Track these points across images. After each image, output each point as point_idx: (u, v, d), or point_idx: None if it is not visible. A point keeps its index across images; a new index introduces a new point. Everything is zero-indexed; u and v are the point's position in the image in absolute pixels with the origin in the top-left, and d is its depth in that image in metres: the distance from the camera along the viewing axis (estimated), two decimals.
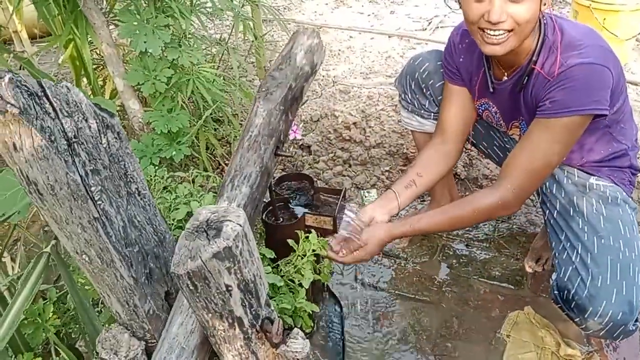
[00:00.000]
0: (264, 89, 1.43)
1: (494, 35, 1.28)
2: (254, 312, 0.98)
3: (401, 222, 1.56)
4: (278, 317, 1.07)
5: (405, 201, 1.62)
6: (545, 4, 1.26)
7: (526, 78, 1.39)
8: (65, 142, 0.83)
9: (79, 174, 0.85)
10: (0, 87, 0.76)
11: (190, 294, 0.90)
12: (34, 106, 0.79)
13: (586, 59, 1.26)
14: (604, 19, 2.62)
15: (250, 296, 0.94)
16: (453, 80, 1.60)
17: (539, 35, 1.34)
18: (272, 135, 1.42)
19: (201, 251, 0.84)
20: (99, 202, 0.90)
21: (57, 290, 1.47)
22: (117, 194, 0.94)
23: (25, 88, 0.79)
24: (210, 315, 0.94)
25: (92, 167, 0.88)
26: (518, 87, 1.42)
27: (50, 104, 0.81)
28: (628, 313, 1.29)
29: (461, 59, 1.55)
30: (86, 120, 0.86)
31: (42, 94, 0.81)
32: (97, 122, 0.88)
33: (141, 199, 1.01)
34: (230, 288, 0.89)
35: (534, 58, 1.35)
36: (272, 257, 1.45)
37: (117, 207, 0.95)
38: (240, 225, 0.87)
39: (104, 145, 0.90)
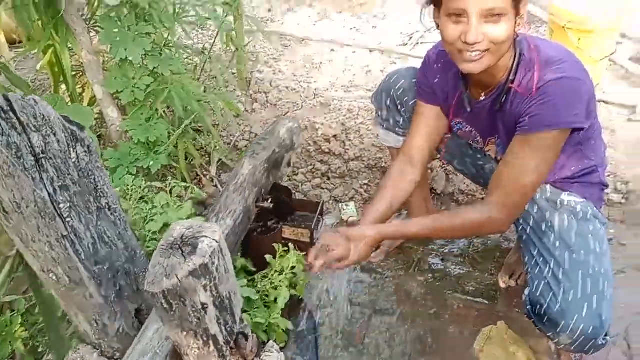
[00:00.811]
0: (250, 151, 1.63)
1: (470, 54, 1.31)
2: (228, 329, 0.97)
3: (389, 224, 1.52)
4: (252, 332, 1.06)
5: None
6: (519, 25, 1.29)
7: (504, 97, 1.41)
8: (33, 157, 0.81)
9: (47, 190, 0.83)
10: None
11: (165, 312, 0.88)
12: None
13: (563, 74, 1.29)
14: (579, 39, 2.68)
15: (225, 313, 0.93)
16: (426, 100, 1.61)
17: (515, 54, 1.37)
18: (255, 185, 1.55)
19: (177, 269, 0.82)
20: (68, 219, 0.88)
21: (26, 302, 1.45)
22: (87, 209, 0.93)
23: None
24: (184, 333, 0.92)
25: (60, 183, 0.85)
26: (496, 105, 1.44)
27: (17, 118, 0.79)
28: (599, 327, 1.32)
29: (437, 79, 1.57)
30: (55, 135, 0.84)
31: (9, 108, 0.79)
32: (66, 136, 0.86)
33: (112, 213, 0.99)
34: (205, 306, 0.88)
35: (511, 77, 1.38)
36: (251, 270, 1.45)
37: (86, 223, 0.92)
38: (217, 241, 0.85)
39: (73, 160, 0.88)
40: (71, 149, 0.87)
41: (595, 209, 1.53)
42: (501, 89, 1.41)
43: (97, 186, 0.95)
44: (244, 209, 1.47)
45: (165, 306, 0.86)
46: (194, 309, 0.87)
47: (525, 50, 1.36)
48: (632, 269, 2.00)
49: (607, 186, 1.60)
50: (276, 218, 1.75)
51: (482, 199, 1.55)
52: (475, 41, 1.27)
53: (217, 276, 0.86)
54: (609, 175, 2.22)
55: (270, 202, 1.62)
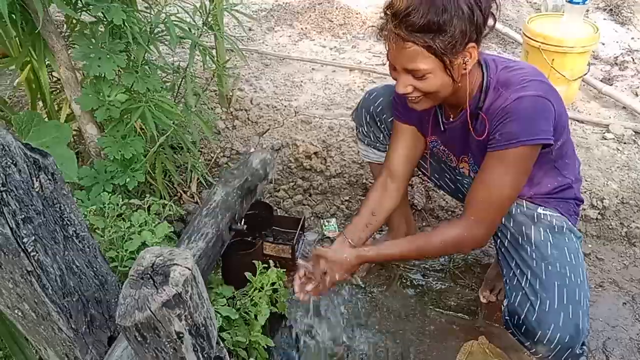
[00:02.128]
0: (222, 179, 1.63)
1: (409, 97, 1.38)
2: (205, 356, 0.93)
3: (368, 247, 1.53)
4: (232, 351, 1.04)
5: (361, 243, 1.59)
6: (465, 64, 1.30)
7: (474, 120, 1.45)
8: None
9: (9, 225, 0.79)
10: None
11: (139, 345, 0.84)
12: None
13: (529, 92, 1.32)
14: (553, 59, 2.76)
15: (201, 340, 0.90)
16: (402, 120, 1.63)
17: (482, 78, 1.40)
18: (228, 209, 1.53)
19: (149, 300, 0.78)
20: (32, 254, 0.83)
21: None
22: (53, 240, 0.88)
23: None
24: None
25: (23, 216, 0.81)
26: (467, 126, 1.48)
27: None
28: (575, 336, 1.34)
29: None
30: (15, 165, 0.79)
31: None
32: (27, 165, 0.81)
33: (79, 241, 0.95)
34: (181, 335, 0.85)
35: (479, 104, 1.41)
36: (230, 295, 1.42)
37: (53, 254, 0.88)
38: (189, 269, 0.82)
39: (37, 189, 0.83)
40: (34, 178, 0.83)
41: (570, 223, 1.56)
42: (470, 112, 1.44)
43: (64, 214, 0.90)
44: (216, 232, 1.45)
45: (139, 339, 0.82)
46: (169, 340, 0.84)
47: (492, 73, 1.39)
48: (609, 283, 2.03)
49: (582, 201, 1.64)
50: (257, 234, 1.74)
51: (459, 215, 1.56)
52: (404, 92, 1.35)
53: (191, 304, 0.84)
54: (584, 192, 2.26)
55: (244, 225, 1.60)
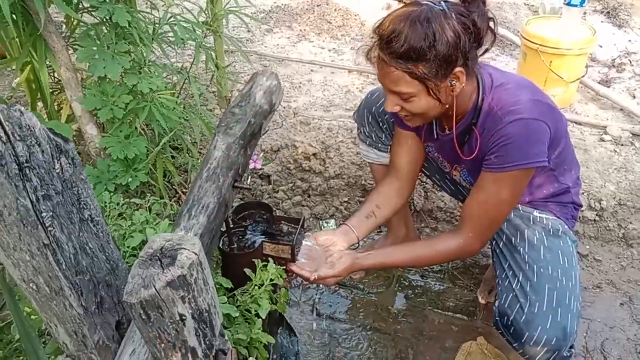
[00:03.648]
0: (223, 124, 1.47)
1: (399, 115, 1.41)
2: (207, 342, 0.96)
3: (367, 254, 1.55)
4: (233, 347, 1.05)
5: (364, 233, 1.64)
6: (454, 87, 1.32)
7: (467, 136, 1.47)
8: (17, 166, 0.81)
9: (30, 199, 0.83)
10: None
11: (143, 323, 0.87)
12: None
13: (524, 115, 1.33)
14: (551, 61, 2.77)
15: (204, 326, 0.93)
16: (401, 126, 1.65)
17: (477, 95, 1.41)
18: (230, 167, 1.44)
19: (155, 279, 0.81)
20: (49, 229, 0.87)
21: (0, 321, 1.41)
22: (69, 220, 0.92)
23: None
24: (163, 345, 0.91)
25: (43, 193, 0.85)
26: (459, 140, 1.50)
27: (2, 127, 0.79)
28: (562, 339, 1.35)
29: None
30: (39, 145, 0.84)
31: None
32: (50, 147, 0.86)
33: (94, 225, 0.98)
34: (184, 317, 0.87)
35: (473, 119, 1.42)
36: (229, 287, 1.43)
37: (68, 233, 0.91)
38: (196, 254, 0.85)
39: (57, 171, 0.87)
40: (55, 160, 0.87)
41: (566, 226, 1.57)
42: (464, 127, 1.46)
43: (80, 198, 0.94)
44: (218, 200, 1.37)
45: (144, 317, 0.85)
46: (172, 321, 0.86)
47: (487, 90, 1.40)
48: (607, 284, 2.04)
49: (580, 205, 1.65)
50: (257, 235, 1.74)
51: (457, 225, 1.59)
52: (391, 111, 1.39)
53: (196, 288, 0.86)
54: (582, 193, 2.28)
55: (250, 183, 1.54)
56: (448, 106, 1.38)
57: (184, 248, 0.85)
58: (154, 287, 0.81)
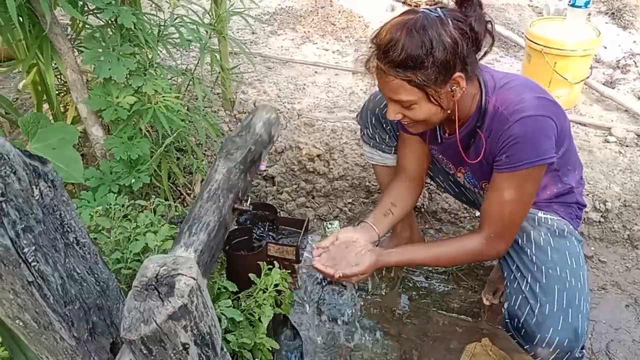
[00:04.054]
0: (224, 150, 1.52)
1: (401, 122, 1.42)
2: None
3: (390, 251, 1.53)
4: (236, 352, 1.04)
5: (383, 230, 1.62)
6: (455, 93, 1.32)
7: (472, 139, 1.47)
8: None
9: (9, 236, 0.77)
10: None
11: (144, 358, 0.83)
12: None
13: (530, 112, 1.33)
14: (555, 63, 2.77)
15: (207, 349, 0.90)
16: (406, 131, 1.65)
17: (480, 99, 1.41)
18: (231, 190, 1.46)
19: (155, 313, 0.77)
20: (33, 264, 0.82)
21: None
22: (54, 248, 0.86)
23: None
24: None
25: (23, 225, 0.79)
26: (464, 144, 1.50)
27: None
28: (574, 340, 1.35)
29: None
30: (15, 173, 0.77)
31: None
32: (27, 173, 0.79)
33: (80, 248, 0.94)
34: (187, 346, 0.84)
35: (477, 123, 1.42)
36: (234, 290, 1.43)
37: (53, 263, 0.86)
38: (194, 279, 0.81)
39: (36, 197, 0.81)
40: (34, 187, 0.80)
41: (571, 226, 1.57)
42: (468, 130, 1.46)
43: (64, 221, 0.89)
44: (218, 219, 1.39)
45: (145, 352, 0.81)
46: (175, 351, 0.83)
47: (490, 92, 1.40)
48: (612, 285, 2.04)
49: (584, 205, 1.64)
50: (261, 236, 1.75)
51: (477, 227, 1.58)
52: (393, 119, 1.39)
53: (197, 314, 0.83)
54: (587, 195, 2.27)
55: (250, 205, 1.56)
56: (450, 111, 1.38)
57: (181, 274, 0.81)
58: (155, 321, 0.77)
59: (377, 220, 1.62)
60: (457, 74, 1.29)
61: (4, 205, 0.75)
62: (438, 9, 1.28)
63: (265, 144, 1.63)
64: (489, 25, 1.31)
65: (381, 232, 1.61)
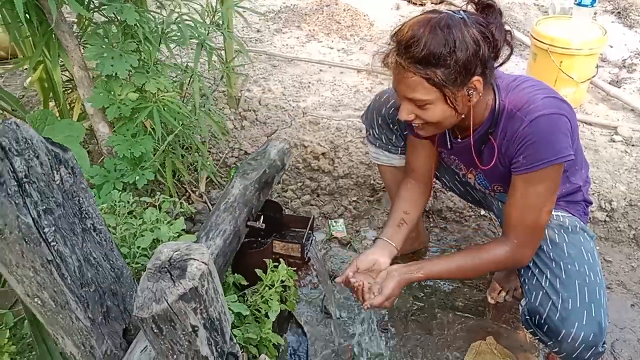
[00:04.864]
0: (241, 171, 1.63)
1: (413, 124, 1.39)
2: (219, 349, 0.95)
3: (413, 267, 1.50)
4: (242, 347, 1.05)
5: (400, 242, 1.61)
6: (471, 96, 1.30)
7: (483, 144, 1.46)
8: (16, 182, 0.78)
9: (31, 215, 0.81)
10: None
11: (155, 337, 0.86)
12: None
13: (544, 111, 1.32)
14: (561, 62, 2.76)
15: (215, 334, 0.92)
16: (417, 136, 1.63)
17: (494, 103, 1.40)
18: (246, 204, 1.55)
19: (166, 293, 0.80)
20: (52, 244, 0.85)
21: (14, 316, 1.42)
22: (72, 231, 0.90)
23: None
24: (175, 357, 0.90)
25: (44, 207, 0.83)
26: (477, 148, 1.49)
27: None
28: (598, 334, 1.34)
29: None
30: (37, 157, 0.81)
31: None
32: (49, 159, 0.83)
33: (97, 234, 0.97)
34: (196, 328, 0.86)
35: (490, 129, 1.41)
36: (243, 284, 1.44)
37: (71, 246, 0.90)
38: (205, 263, 0.84)
39: (57, 182, 0.85)
40: (55, 171, 0.85)
41: (581, 222, 1.56)
42: (480, 136, 1.45)
43: (82, 207, 0.92)
44: (234, 229, 1.46)
45: (156, 331, 0.84)
46: (184, 332, 0.85)
47: (503, 95, 1.39)
48: (617, 285, 2.03)
49: (590, 203, 1.64)
50: (267, 233, 1.75)
51: (500, 235, 1.56)
52: (406, 120, 1.36)
53: (207, 298, 0.85)
54: (592, 194, 2.27)
55: (262, 223, 1.61)
56: (464, 116, 1.36)
57: (193, 259, 0.84)
58: (166, 301, 0.80)
59: (392, 233, 1.61)
60: (476, 77, 1.27)
61: (27, 186, 0.79)
62: (461, 12, 1.27)
63: (278, 169, 1.76)
64: (508, 36, 1.30)
65: (398, 245, 1.60)
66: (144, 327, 0.84)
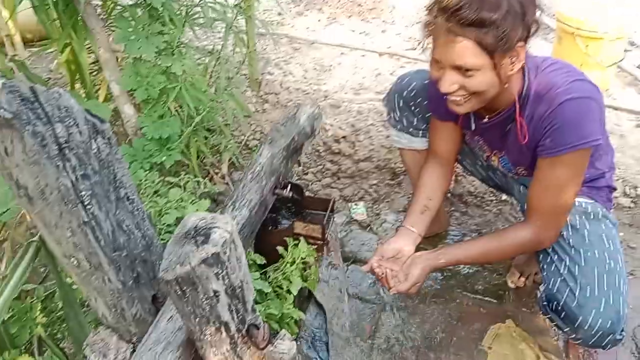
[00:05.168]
0: (269, 138, 1.62)
1: (452, 97, 1.34)
2: (240, 317, 0.98)
3: (438, 253, 1.53)
4: (264, 322, 1.08)
5: (423, 228, 1.61)
6: (513, 64, 1.28)
7: (510, 125, 1.44)
8: (57, 147, 0.82)
9: (70, 178, 0.85)
10: None
11: (178, 299, 0.90)
12: (26, 111, 0.79)
13: (574, 94, 1.30)
14: (587, 45, 2.71)
15: (237, 301, 0.95)
16: (439, 117, 1.63)
17: (523, 83, 1.38)
18: (273, 173, 1.55)
19: (190, 257, 0.84)
20: (88, 207, 0.90)
21: (44, 290, 1.48)
22: (107, 198, 0.94)
23: (19, 93, 0.78)
24: (197, 320, 0.94)
25: (82, 172, 0.87)
26: (502, 130, 1.47)
27: (43, 109, 0.81)
28: (616, 322, 1.34)
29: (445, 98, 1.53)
30: (77, 126, 0.85)
31: (35, 99, 0.80)
32: (87, 128, 0.87)
33: (130, 204, 1.01)
34: (217, 293, 0.90)
35: (519, 107, 1.39)
36: (262, 263, 1.46)
37: (106, 211, 0.94)
38: (229, 232, 0.87)
39: (94, 151, 0.89)
40: (92, 140, 0.88)
41: (604, 209, 1.55)
42: (507, 116, 1.43)
43: (117, 177, 0.96)
44: (260, 199, 1.46)
45: (179, 293, 0.88)
46: (206, 296, 0.89)
47: (532, 77, 1.37)
48: None
49: (615, 189, 1.62)
50: (288, 214, 1.77)
51: (523, 220, 1.55)
52: (448, 91, 1.31)
53: (229, 265, 0.89)
54: (617, 180, 2.24)
55: (290, 191, 1.60)
56: (506, 86, 1.33)
57: (217, 227, 0.87)
58: (189, 264, 0.84)
59: (415, 220, 1.61)
60: (520, 43, 1.25)
61: (66, 151, 0.83)
62: None
63: (307, 135, 1.70)
64: (538, 12, 1.28)
65: (421, 231, 1.60)
66: (169, 289, 0.88)
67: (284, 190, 1.60)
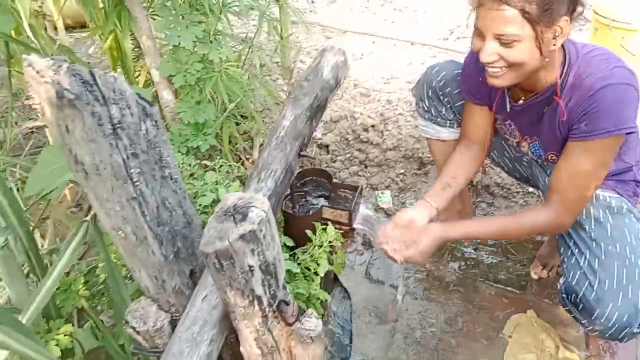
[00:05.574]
0: (292, 96, 1.56)
1: (491, 69, 1.35)
2: (272, 292, 1.06)
3: (451, 225, 1.55)
4: (293, 300, 1.15)
5: (441, 203, 1.62)
6: (555, 39, 1.28)
7: (546, 107, 1.44)
8: (111, 126, 0.90)
9: (121, 156, 0.93)
10: (59, 75, 0.83)
11: (216, 272, 0.97)
12: (86, 93, 0.86)
13: (614, 80, 1.30)
14: (622, 37, 2.67)
15: (269, 277, 1.02)
16: (473, 100, 1.65)
17: (564, 65, 1.38)
18: (297, 137, 1.53)
19: (229, 233, 0.91)
20: (136, 183, 0.98)
21: (86, 265, 1.58)
22: (152, 177, 1.02)
23: (80, 76, 0.86)
24: (232, 292, 1.01)
25: (132, 151, 0.95)
26: (537, 112, 1.47)
27: (100, 91, 0.88)
28: (633, 316, 1.36)
29: (481, 78, 1.53)
30: (129, 108, 0.92)
31: (93, 82, 0.88)
32: (138, 110, 0.95)
33: (173, 183, 1.08)
34: (252, 268, 0.97)
35: (557, 88, 1.38)
36: (291, 245, 1.53)
37: (152, 188, 1.02)
38: (265, 212, 0.94)
39: (143, 132, 0.96)
40: (142, 122, 0.96)
41: (629, 204, 1.56)
42: (543, 99, 1.44)
43: (162, 157, 1.03)
44: (285, 167, 1.47)
45: (217, 266, 0.95)
46: (242, 270, 0.96)
47: (573, 59, 1.37)
48: None
49: None
50: (317, 199, 1.84)
51: (543, 202, 1.57)
52: (487, 61, 1.32)
53: (264, 242, 0.95)
54: None
55: (312, 156, 1.58)
56: (546, 61, 1.33)
57: (254, 206, 0.94)
58: (228, 239, 0.91)
59: (435, 193, 1.62)
60: (565, 17, 1.26)
61: (119, 131, 0.91)
62: None
63: (332, 88, 1.63)
64: None
65: (439, 205, 1.61)
66: (208, 262, 0.95)
67: (309, 152, 1.59)
